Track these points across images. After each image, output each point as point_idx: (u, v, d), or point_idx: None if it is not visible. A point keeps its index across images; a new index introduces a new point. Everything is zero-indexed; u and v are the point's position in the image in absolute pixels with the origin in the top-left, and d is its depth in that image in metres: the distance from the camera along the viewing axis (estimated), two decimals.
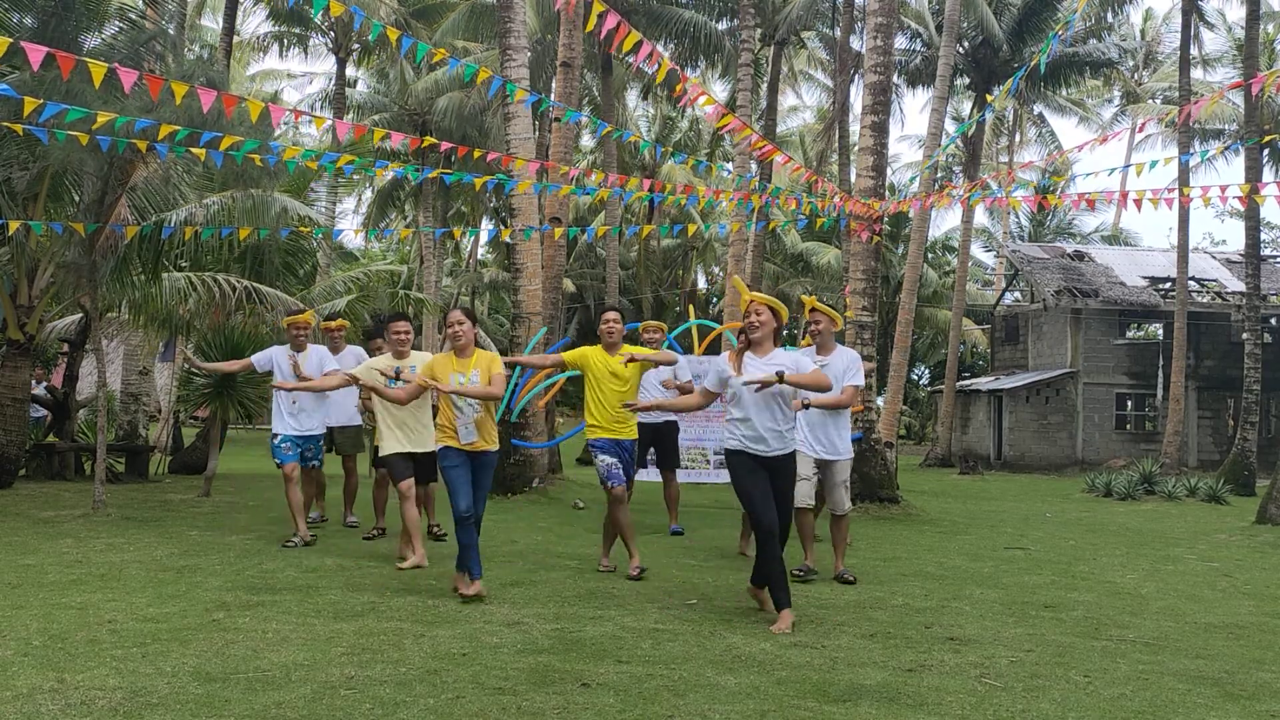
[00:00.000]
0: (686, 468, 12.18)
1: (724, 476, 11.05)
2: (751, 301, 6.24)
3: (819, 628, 6.03)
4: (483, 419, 6.64)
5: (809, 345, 7.97)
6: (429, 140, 10.20)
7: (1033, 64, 10.43)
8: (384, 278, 26.80)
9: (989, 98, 30.66)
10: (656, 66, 9.08)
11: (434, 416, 7.41)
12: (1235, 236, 50.41)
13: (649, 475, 10.90)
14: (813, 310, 7.73)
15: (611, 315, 7.81)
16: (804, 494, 7.56)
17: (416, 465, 7.75)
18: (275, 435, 9.02)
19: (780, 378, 5.97)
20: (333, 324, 10.00)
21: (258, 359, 9.35)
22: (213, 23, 36.32)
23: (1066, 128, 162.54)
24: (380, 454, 7.96)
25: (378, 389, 7.15)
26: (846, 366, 7.55)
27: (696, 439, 11.89)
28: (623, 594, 6.86)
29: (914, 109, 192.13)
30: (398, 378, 7.11)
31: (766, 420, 6.08)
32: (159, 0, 14.41)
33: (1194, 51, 30.65)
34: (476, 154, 10.20)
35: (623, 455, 7.55)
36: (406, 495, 7.66)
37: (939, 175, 33.21)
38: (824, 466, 7.73)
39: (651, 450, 10.16)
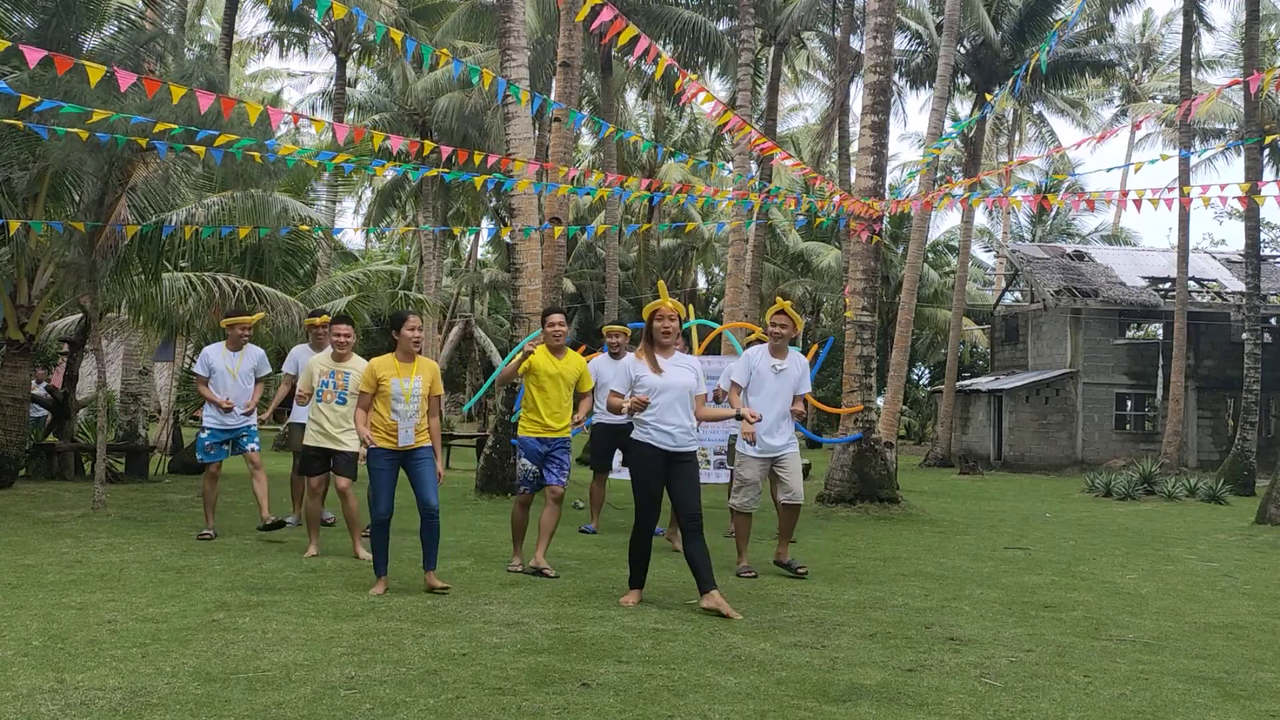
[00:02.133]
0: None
1: (724, 477, 11.06)
2: (661, 307, 6.70)
3: (819, 628, 6.03)
4: (420, 422, 6.75)
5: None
6: (430, 145, 10.19)
7: (1033, 64, 10.41)
8: (384, 278, 26.82)
9: (989, 97, 30.66)
10: (655, 63, 9.07)
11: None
12: (1235, 236, 50.43)
13: (623, 474, 10.91)
14: (780, 313, 7.82)
15: (555, 317, 7.88)
16: (749, 500, 7.84)
17: (335, 461, 8.19)
18: (204, 430, 9.19)
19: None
20: (317, 320, 9.68)
21: (199, 370, 9.33)
22: (211, 22, 36.32)
23: (1066, 128, 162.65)
24: (304, 442, 8.44)
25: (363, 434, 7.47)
26: (802, 373, 7.91)
27: (699, 439, 11.89)
28: (622, 594, 6.85)
29: (914, 109, 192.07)
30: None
31: (671, 418, 6.53)
32: (158, 0, 14.42)
33: (1195, 53, 30.57)
34: (478, 158, 10.20)
35: (554, 452, 7.59)
36: (315, 492, 8.29)
37: (938, 175, 33.20)
38: (777, 462, 7.87)
39: (619, 452, 10.20)
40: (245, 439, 9.25)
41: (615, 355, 9.76)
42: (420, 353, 8.12)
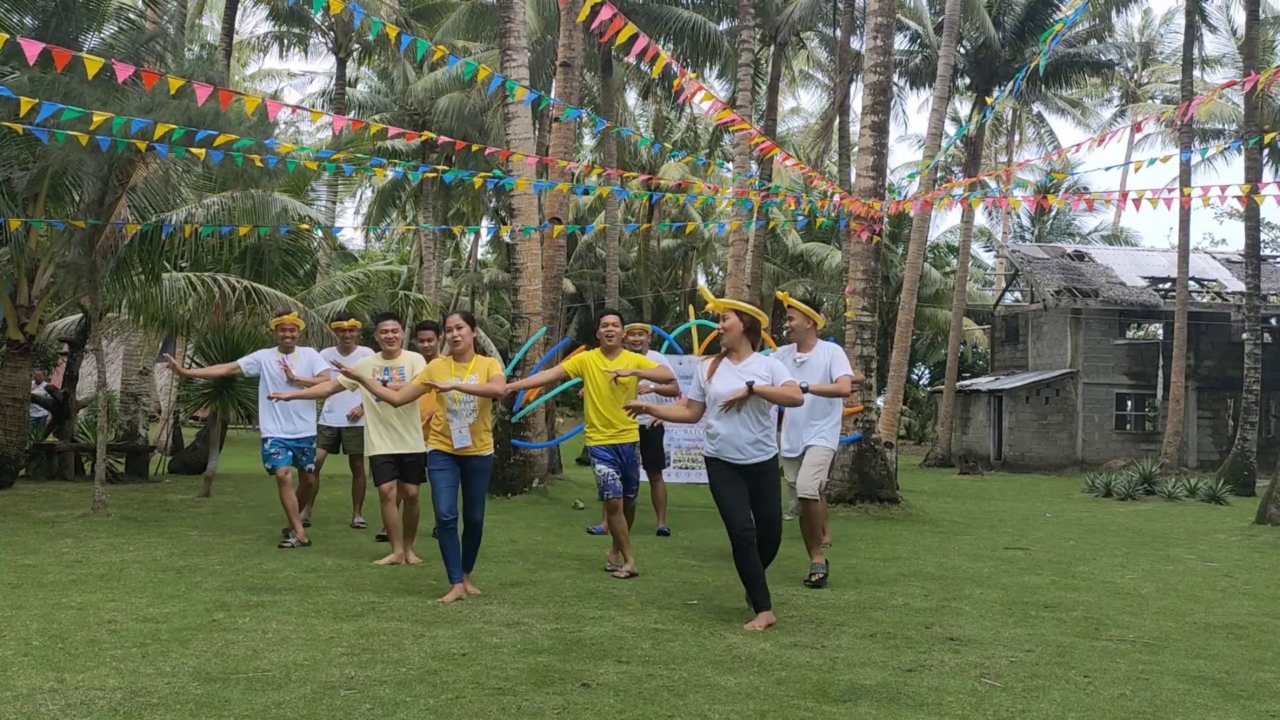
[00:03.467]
0: (687, 468, 12.22)
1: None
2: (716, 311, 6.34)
3: (819, 628, 6.03)
4: (477, 423, 6.63)
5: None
6: (426, 134, 10.18)
7: (1032, 65, 10.41)
8: (384, 278, 26.83)
9: (988, 99, 30.66)
10: (653, 61, 9.09)
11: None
12: (1235, 236, 50.41)
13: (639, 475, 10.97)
14: (787, 308, 7.81)
15: (610, 319, 7.88)
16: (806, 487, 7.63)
17: (403, 466, 7.94)
18: (265, 439, 8.94)
19: (750, 389, 5.91)
20: (344, 324, 9.79)
21: (245, 363, 9.22)
22: (213, 21, 36.29)
23: (1065, 128, 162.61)
24: (367, 454, 8.14)
25: (368, 383, 7.15)
26: (831, 360, 7.66)
27: (696, 440, 11.93)
28: (623, 594, 6.86)
29: (914, 109, 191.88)
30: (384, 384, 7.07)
31: (739, 428, 6.04)
32: (159, 0, 14.42)
33: (1195, 53, 30.54)
34: (475, 148, 10.22)
35: (620, 460, 7.62)
36: (387, 497, 7.93)
37: (939, 175, 33.18)
38: (792, 463, 7.80)
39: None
40: (304, 458, 9.10)
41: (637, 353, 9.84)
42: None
